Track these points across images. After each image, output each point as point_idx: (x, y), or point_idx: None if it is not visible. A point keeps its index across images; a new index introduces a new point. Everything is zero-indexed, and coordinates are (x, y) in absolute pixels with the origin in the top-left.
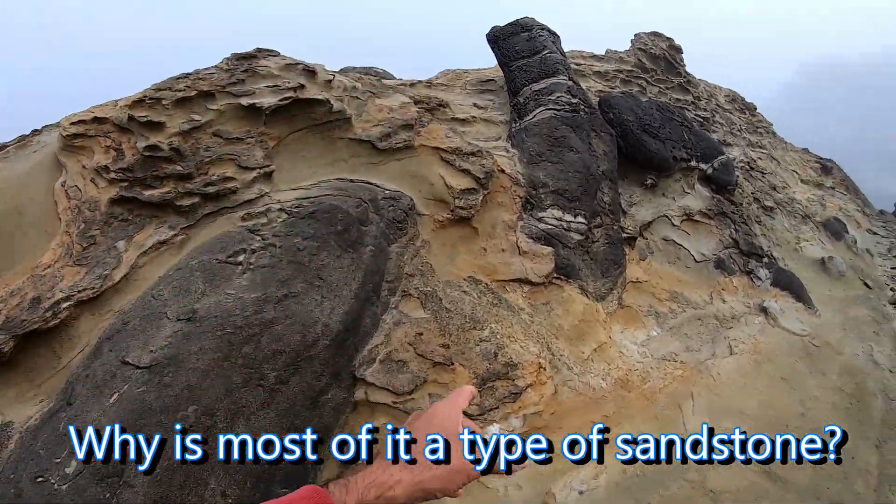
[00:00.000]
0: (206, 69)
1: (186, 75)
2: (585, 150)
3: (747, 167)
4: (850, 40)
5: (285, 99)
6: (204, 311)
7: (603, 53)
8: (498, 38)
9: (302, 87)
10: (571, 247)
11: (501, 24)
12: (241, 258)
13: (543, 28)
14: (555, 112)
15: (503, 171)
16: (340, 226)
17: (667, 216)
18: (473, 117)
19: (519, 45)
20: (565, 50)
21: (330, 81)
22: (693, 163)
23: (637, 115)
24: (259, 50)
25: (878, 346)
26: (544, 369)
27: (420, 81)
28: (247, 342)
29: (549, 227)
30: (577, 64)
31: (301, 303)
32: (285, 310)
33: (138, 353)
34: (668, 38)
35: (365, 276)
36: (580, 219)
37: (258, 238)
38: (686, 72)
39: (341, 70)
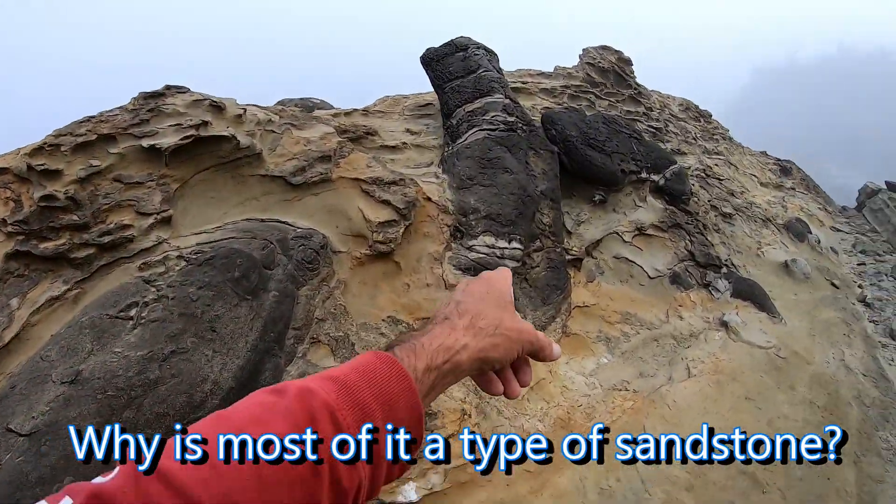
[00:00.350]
0: (111, 110)
1: (90, 118)
2: (522, 170)
3: (703, 175)
4: (806, 42)
5: (187, 138)
6: (88, 373)
7: (552, 70)
8: (431, 60)
9: (206, 124)
10: None
11: (435, 46)
12: (132, 312)
13: (479, 46)
14: (489, 132)
15: (429, 199)
16: (239, 271)
17: (617, 233)
18: (404, 144)
19: (453, 65)
20: (513, 69)
21: (240, 116)
22: (644, 175)
23: (581, 130)
24: (168, 87)
25: (850, 350)
26: (469, 416)
27: (356, 110)
28: (128, 406)
29: (481, 255)
30: (523, 82)
31: (190, 359)
32: (171, 368)
33: (21, 420)
34: (617, 51)
35: (266, 325)
36: (515, 244)
37: (153, 289)
38: (637, 83)
39: (278, 102)
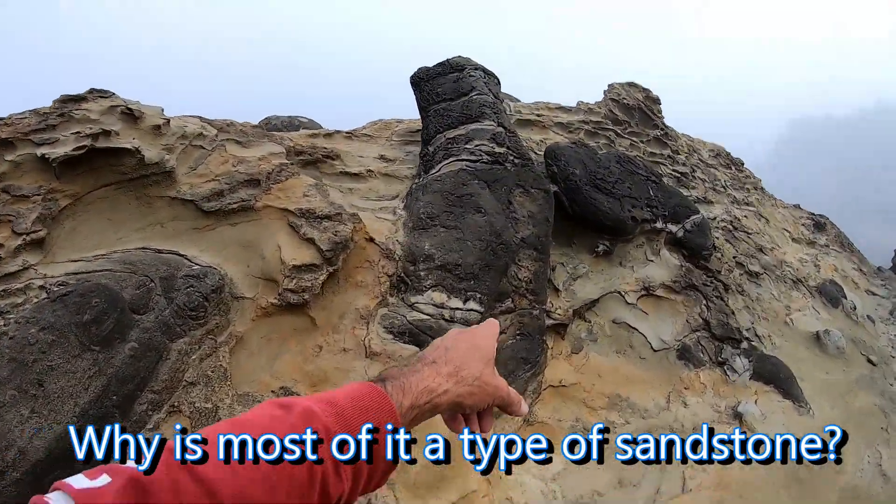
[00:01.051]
0: (21, 113)
1: (5, 121)
2: (501, 211)
3: (730, 227)
4: (844, 96)
5: (80, 148)
6: None
7: (574, 105)
8: (420, 80)
9: (108, 134)
10: None
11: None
12: None
13: (477, 68)
14: (468, 164)
15: (372, 239)
16: (91, 314)
17: (620, 292)
18: (370, 172)
19: (443, 86)
20: (532, 102)
21: (159, 127)
22: (659, 224)
23: (588, 169)
24: (91, 91)
25: (889, 450)
26: None
27: (339, 132)
28: None
29: (424, 316)
30: (537, 114)
31: (2, 417)
32: None
33: None
34: (645, 89)
35: (108, 385)
36: (473, 304)
37: (1, 323)
38: (664, 124)
39: (263, 120)
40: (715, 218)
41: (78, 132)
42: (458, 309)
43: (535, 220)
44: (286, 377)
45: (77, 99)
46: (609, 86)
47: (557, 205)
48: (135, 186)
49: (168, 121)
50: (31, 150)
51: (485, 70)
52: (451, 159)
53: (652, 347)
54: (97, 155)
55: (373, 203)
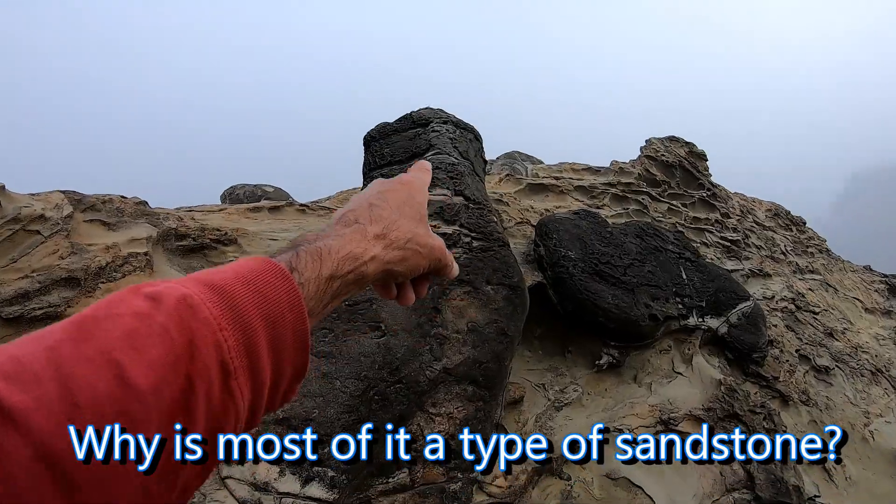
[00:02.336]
0: None
1: None
2: (414, 325)
3: (792, 306)
4: None
5: None
6: None
7: (608, 165)
8: (372, 140)
9: None
10: None
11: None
12: None
13: (447, 121)
14: None
15: None
16: None
17: (623, 430)
18: None
19: (394, 145)
20: (556, 163)
21: None
22: (693, 319)
23: (588, 249)
24: None
25: None
26: None
27: (293, 204)
28: None
29: None
30: (555, 178)
31: None
32: None
33: None
34: (688, 144)
35: None
36: (317, 487)
37: None
38: (711, 183)
39: (228, 189)
40: (773, 297)
41: None
42: (288, 495)
43: (481, 336)
44: None
45: None
46: (647, 141)
47: (546, 302)
48: None
49: None
50: None
51: (458, 124)
52: None
53: None
54: None
55: None
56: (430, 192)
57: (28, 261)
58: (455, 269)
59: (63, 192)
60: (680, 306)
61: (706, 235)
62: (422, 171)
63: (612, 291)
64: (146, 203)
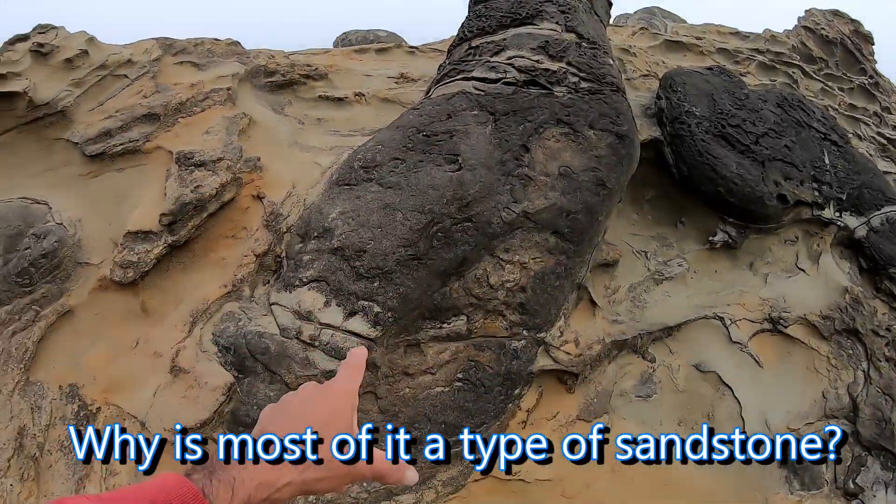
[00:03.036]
0: None
1: None
2: (495, 162)
3: None
4: None
5: None
6: None
7: (760, 32)
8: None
9: (1, 77)
10: (303, 383)
11: None
12: None
13: None
14: (476, 85)
15: (260, 198)
16: None
17: (723, 318)
18: (360, 96)
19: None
20: (701, 24)
21: (72, 60)
22: (828, 212)
23: (715, 108)
24: (38, 27)
25: None
26: None
27: (402, 46)
28: None
29: (270, 330)
30: (697, 38)
31: None
32: None
33: None
34: (854, 21)
35: None
36: (359, 322)
37: None
38: (875, 70)
39: (340, 35)
40: None
41: None
42: (329, 327)
43: (574, 183)
44: (88, 372)
45: (22, 38)
46: (806, 11)
47: (662, 163)
48: (35, 129)
49: (86, 51)
50: None
51: None
52: (455, 78)
53: (743, 430)
54: None
55: (337, 139)
56: (536, 25)
57: (113, 103)
58: (409, 476)
59: (155, 39)
60: (816, 193)
61: (861, 127)
62: (351, 369)
63: (737, 159)
64: (238, 43)
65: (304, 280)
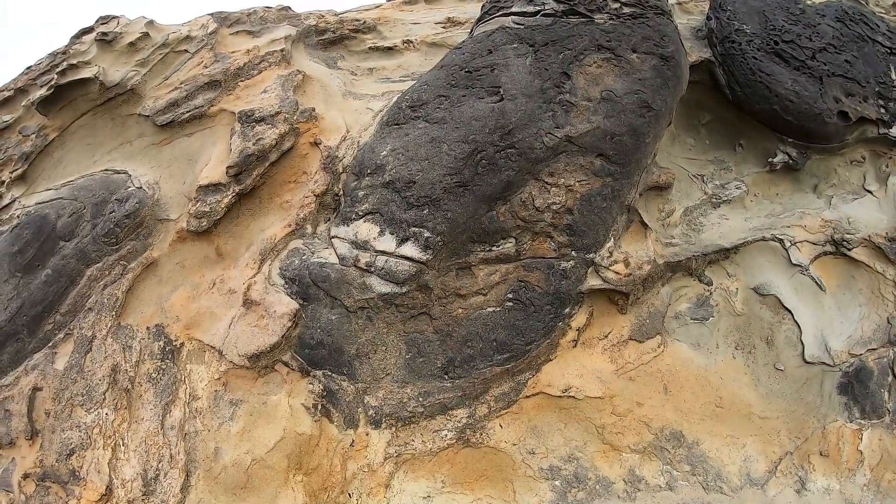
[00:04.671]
0: (40, 59)
1: (29, 68)
2: (536, 91)
3: None
4: None
5: (50, 88)
6: None
7: None
8: None
9: (74, 66)
10: (361, 307)
11: None
12: None
13: None
14: (515, 20)
15: (317, 144)
16: (19, 245)
17: (782, 240)
18: (408, 43)
19: None
20: None
21: (134, 44)
22: (895, 130)
23: (768, 24)
24: (100, 19)
25: None
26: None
27: None
28: None
29: (331, 260)
30: None
31: None
32: None
33: None
34: None
35: (22, 307)
36: (411, 247)
37: None
38: None
39: None
40: None
41: (60, 69)
42: (383, 253)
43: (617, 106)
44: (171, 313)
45: (85, 31)
46: None
47: (716, 86)
48: (108, 109)
49: (147, 34)
50: (33, 94)
51: None
52: (495, 15)
53: (802, 355)
54: (71, 87)
55: (388, 85)
56: None
57: (178, 76)
58: None
59: (210, 14)
60: (882, 110)
61: None
62: None
63: (792, 76)
64: (289, 8)
65: (360, 213)
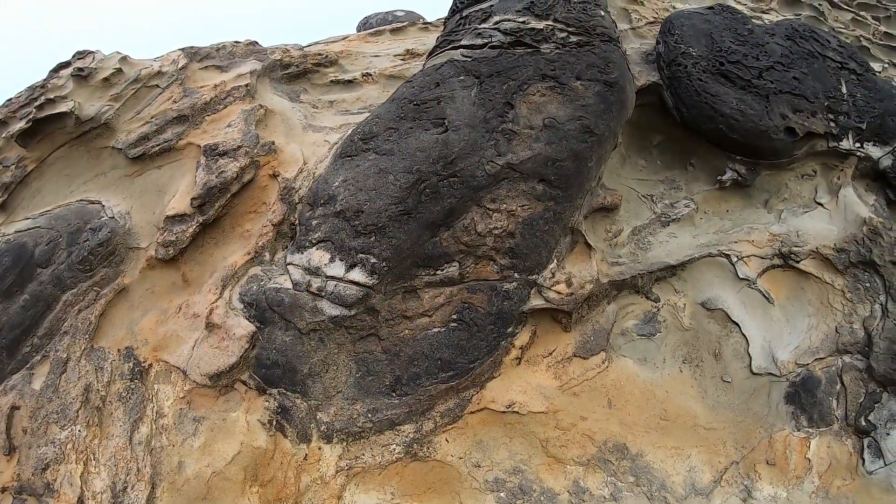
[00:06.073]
0: (20, 92)
1: (10, 101)
2: (480, 121)
3: None
4: None
5: (28, 121)
6: None
7: None
8: None
9: (52, 101)
10: (313, 329)
11: None
12: None
13: None
14: (464, 53)
15: (275, 176)
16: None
17: (729, 255)
18: (367, 76)
19: None
20: None
21: (108, 79)
22: (847, 143)
23: (714, 46)
24: (77, 54)
25: None
26: None
27: (416, 23)
28: None
29: (284, 286)
30: None
31: None
32: None
33: None
34: None
35: (1, 331)
36: (358, 273)
37: None
38: None
39: (363, 20)
40: None
41: (38, 104)
42: (333, 278)
43: (559, 133)
44: (141, 336)
45: (63, 66)
46: None
47: (666, 108)
48: (84, 142)
49: (120, 69)
50: (8, 128)
51: None
52: (445, 48)
53: (750, 367)
54: (49, 121)
55: (346, 118)
56: None
57: (149, 110)
58: None
59: (181, 49)
60: (831, 124)
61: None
62: None
63: (737, 95)
64: (256, 43)
65: (313, 241)
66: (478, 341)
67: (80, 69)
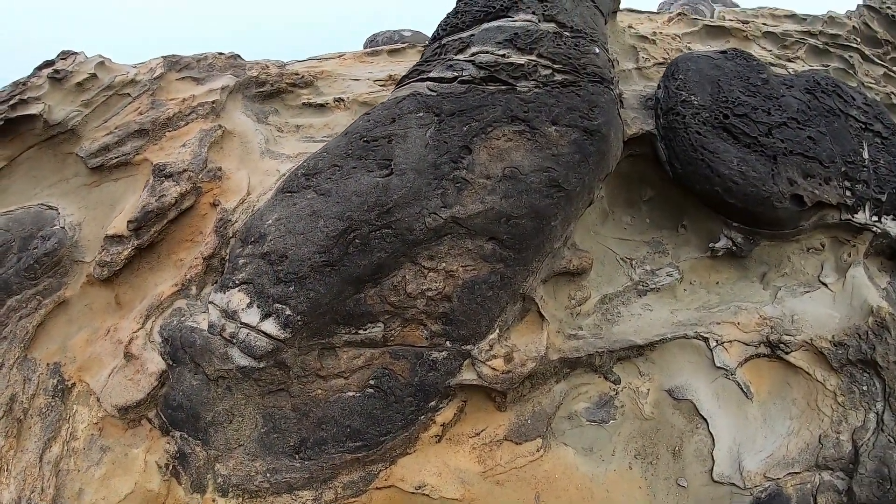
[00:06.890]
0: (5, 87)
1: None
2: (430, 165)
3: None
4: None
5: (1, 120)
6: None
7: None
8: None
9: (24, 101)
10: (221, 376)
11: None
12: None
13: None
14: (430, 86)
15: (215, 205)
16: None
17: (706, 338)
18: (339, 101)
19: None
20: (754, 7)
21: (82, 84)
22: (862, 215)
23: (719, 95)
24: (62, 53)
25: None
26: None
27: (415, 46)
28: None
29: (199, 326)
30: (743, 21)
31: None
32: None
33: None
34: None
35: None
36: (270, 324)
37: None
38: None
39: (371, 37)
40: None
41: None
42: (246, 326)
43: (519, 186)
44: (70, 353)
45: (45, 65)
46: None
47: (656, 160)
48: (52, 145)
49: (95, 74)
50: None
51: None
52: (412, 80)
53: (711, 472)
54: (20, 121)
55: (307, 145)
56: (511, 17)
57: (115, 119)
58: None
59: (163, 56)
60: (847, 193)
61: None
62: None
63: (739, 154)
64: (238, 56)
65: (237, 282)
66: (393, 413)
67: (57, 71)
